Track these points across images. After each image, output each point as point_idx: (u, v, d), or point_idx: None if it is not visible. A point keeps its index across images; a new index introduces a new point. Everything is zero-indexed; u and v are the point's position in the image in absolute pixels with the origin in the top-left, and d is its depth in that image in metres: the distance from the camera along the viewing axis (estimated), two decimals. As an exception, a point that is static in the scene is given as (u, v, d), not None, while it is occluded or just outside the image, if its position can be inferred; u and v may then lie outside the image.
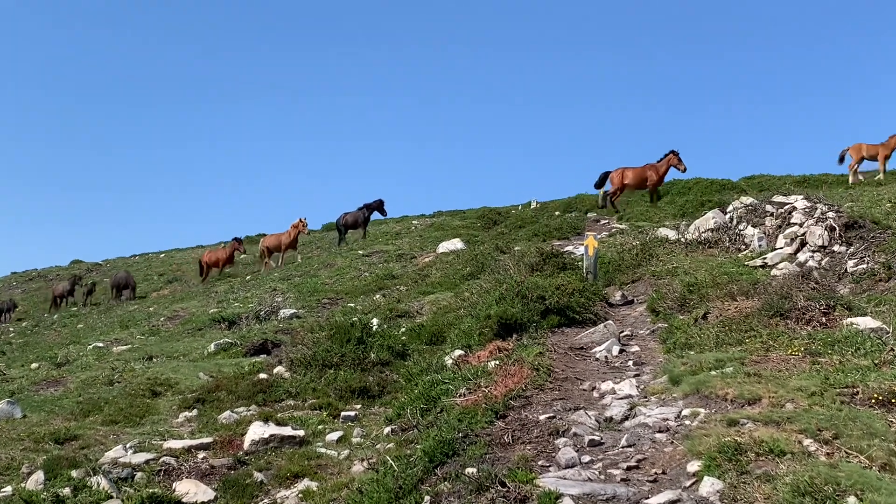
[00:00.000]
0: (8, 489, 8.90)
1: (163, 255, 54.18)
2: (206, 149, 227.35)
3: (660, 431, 7.34)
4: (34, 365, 19.80)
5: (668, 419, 7.59)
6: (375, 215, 38.97)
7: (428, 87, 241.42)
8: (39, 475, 9.02)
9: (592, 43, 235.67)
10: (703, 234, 18.94)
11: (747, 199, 21.67)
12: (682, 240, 19.16)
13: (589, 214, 32.70)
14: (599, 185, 33.75)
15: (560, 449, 7.01)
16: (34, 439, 10.84)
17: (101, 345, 21.12)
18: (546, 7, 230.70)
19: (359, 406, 11.74)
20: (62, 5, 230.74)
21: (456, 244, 28.26)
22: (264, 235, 40.42)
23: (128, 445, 10.20)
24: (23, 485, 9.05)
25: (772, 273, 14.22)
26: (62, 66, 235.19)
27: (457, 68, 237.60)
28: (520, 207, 42.57)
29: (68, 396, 14.08)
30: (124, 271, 40.85)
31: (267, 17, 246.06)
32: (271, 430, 10.08)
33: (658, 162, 31.28)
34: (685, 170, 31.20)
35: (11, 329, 37.14)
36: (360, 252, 31.84)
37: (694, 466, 6.19)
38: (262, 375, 13.67)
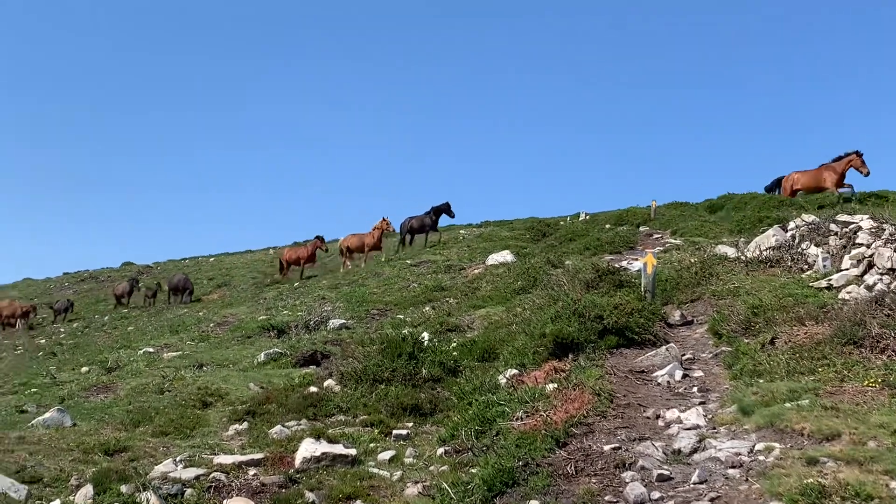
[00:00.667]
0: (57, 503, 8.78)
1: (213, 258, 54.56)
2: (257, 155, 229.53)
3: (732, 467, 6.98)
4: (84, 369, 19.88)
5: (740, 454, 7.22)
6: (444, 219, 38.20)
7: (472, 96, 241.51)
8: (88, 489, 8.87)
9: (642, 55, 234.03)
10: (763, 253, 18.41)
11: (809, 217, 21.08)
12: (742, 258, 18.64)
13: (641, 228, 32.19)
14: (771, 189, 32.89)
15: (628, 483, 6.68)
16: (83, 450, 10.73)
17: (151, 350, 21.16)
18: (596, 17, 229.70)
19: (410, 424, 11.49)
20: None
21: (506, 256, 27.94)
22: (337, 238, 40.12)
23: (178, 459, 10.04)
24: (71, 498, 8.92)
25: (839, 296, 13.70)
26: (113, 71, 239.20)
27: (505, 79, 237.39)
28: (568, 219, 42.14)
29: (118, 404, 14.03)
30: (182, 274, 41.05)
31: (319, 24, 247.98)
32: (323, 447, 9.85)
33: (835, 162, 29.25)
34: (868, 173, 28.70)
35: (62, 330, 37.56)
36: (409, 262, 31.66)
37: (773, 509, 5.83)
38: (313, 388, 13.49)
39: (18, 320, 41.48)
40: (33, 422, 12.41)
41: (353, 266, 35.72)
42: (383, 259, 34.67)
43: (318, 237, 37.97)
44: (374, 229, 35.96)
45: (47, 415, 12.52)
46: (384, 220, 35.82)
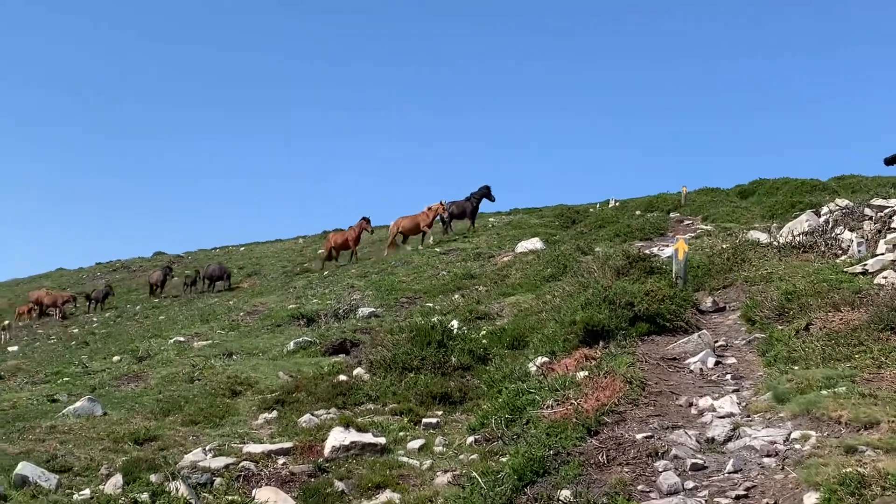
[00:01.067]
0: (86, 492, 8.82)
1: (243, 248, 54.82)
2: (288, 144, 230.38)
3: (768, 456, 6.84)
4: (116, 358, 20.02)
5: (776, 442, 7.07)
6: (484, 204, 37.37)
7: (499, 83, 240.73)
8: (118, 478, 8.91)
9: (670, 42, 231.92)
10: (796, 238, 18.12)
11: (842, 202, 20.77)
12: (775, 243, 18.36)
13: (672, 215, 31.92)
14: (891, 162, 32.31)
15: (660, 473, 6.56)
16: (114, 439, 10.78)
17: (182, 339, 21.27)
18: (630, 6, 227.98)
19: (440, 412, 11.43)
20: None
21: (535, 244, 27.78)
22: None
23: (207, 448, 10.06)
24: (101, 487, 8.97)
25: (874, 281, 13.43)
26: (143, 62, 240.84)
27: (533, 66, 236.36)
28: (598, 206, 41.88)
29: (148, 393, 14.08)
30: (217, 264, 41.02)
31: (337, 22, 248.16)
32: (352, 436, 9.82)
33: None
34: None
35: (95, 319, 37.90)
36: (438, 250, 31.58)
37: (811, 499, 5.68)
38: (342, 377, 13.47)
39: (59, 309, 41.94)
40: (64, 411, 12.49)
41: (394, 248, 34.94)
42: (430, 241, 34.17)
43: (364, 218, 36.28)
44: (427, 210, 34.80)
45: (78, 404, 12.59)
46: (441, 203, 34.62)
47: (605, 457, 7.13)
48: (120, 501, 8.12)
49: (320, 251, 39.86)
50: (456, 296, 21.64)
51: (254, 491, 8.61)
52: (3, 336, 35.89)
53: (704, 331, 12.03)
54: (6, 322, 38.54)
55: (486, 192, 36.32)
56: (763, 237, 19.72)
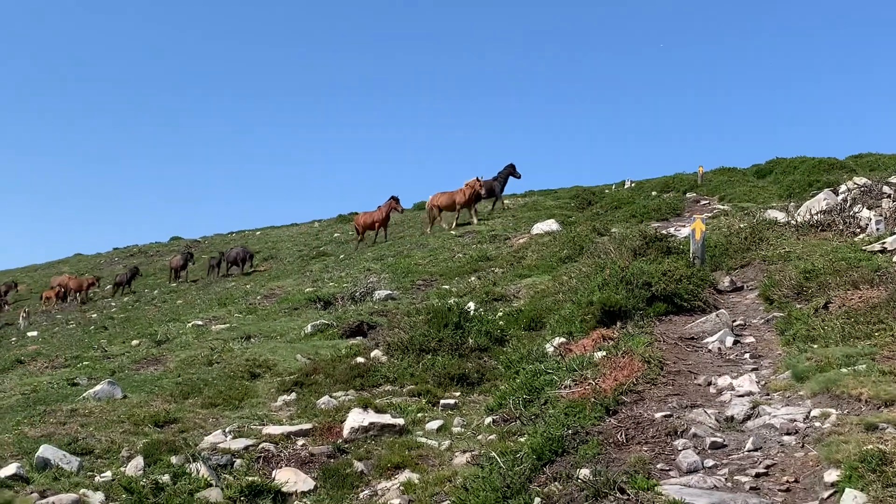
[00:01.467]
0: (108, 474, 8.89)
1: (259, 232, 54.94)
2: (299, 131, 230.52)
3: (788, 434, 6.82)
4: (135, 342, 20.13)
5: (795, 420, 7.04)
6: (510, 183, 36.36)
7: (511, 67, 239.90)
8: (139, 460, 8.98)
9: (683, 21, 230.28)
10: (814, 217, 18.01)
11: (860, 180, 20.65)
12: (793, 222, 18.26)
13: (688, 195, 31.80)
14: None
15: (680, 452, 6.55)
16: (134, 422, 10.84)
17: (200, 323, 21.35)
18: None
19: (458, 393, 11.46)
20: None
21: (551, 225, 27.72)
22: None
23: (227, 430, 10.13)
24: (122, 469, 9.04)
25: (893, 259, 13.36)
26: (160, 49, 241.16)
27: (544, 49, 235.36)
28: (613, 187, 41.74)
29: (168, 376, 14.15)
30: (240, 246, 40.78)
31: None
32: (371, 417, 9.86)
33: None
34: None
35: (113, 304, 38.13)
36: (453, 233, 31.56)
37: (832, 476, 5.66)
38: (360, 359, 13.51)
39: (84, 293, 42.26)
40: (85, 394, 12.57)
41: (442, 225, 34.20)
42: (475, 221, 33.31)
43: (392, 197, 35.38)
44: (465, 186, 33.74)
45: (98, 387, 12.67)
46: (477, 179, 33.58)
47: (623, 436, 7.13)
48: (141, 483, 8.17)
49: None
50: (472, 278, 21.63)
51: (274, 472, 8.67)
52: (23, 321, 36.16)
53: (723, 310, 11.99)
54: (26, 308, 38.81)
55: (510, 171, 35.50)
56: (781, 216, 19.64)
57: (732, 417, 7.43)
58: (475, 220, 33.34)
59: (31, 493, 8.22)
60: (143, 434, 10.34)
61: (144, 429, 10.57)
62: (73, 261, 59.19)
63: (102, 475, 8.89)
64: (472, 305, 16.16)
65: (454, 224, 33.64)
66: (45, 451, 9.20)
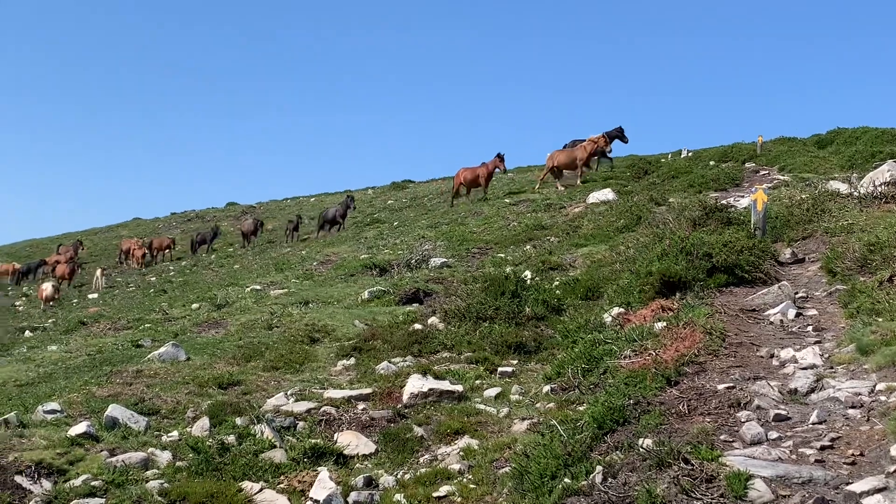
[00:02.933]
0: (174, 434, 9.12)
1: (313, 198, 55.43)
2: (356, 98, 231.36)
3: (852, 407, 6.75)
4: (195, 305, 20.50)
5: (860, 394, 6.97)
6: (617, 148, 34.55)
7: (569, 37, 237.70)
8: (205, 421, 9.18)
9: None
10: (878, 188, 17.62)
11: (928, 151, 20.17)
12: (855, 194, 17.90)
13: (747, 165, 31.32)
14: None
15: (743, 423, 6.52)
16: (198, 383, 11.08)
17: (258, 287, 21.65)
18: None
19: (515, 362, 11.52)
20: None
21: (607, 194, 27.51)
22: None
23: (289, 393, 10.31)
24: (188, 429, 9.26)
25: (962, 232, 13.06)
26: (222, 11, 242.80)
27: (606, 17, 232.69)
28: (670, 156, 41.27)
29: (229, 340, 14.40)
30: (335, 206, 40.44)
31: None
32: (430, 383, 9.97)
33: None
34: None
35: (171, 268, 38.83)
36: (507, 201, 31.51)
37: (898, 450, 5.61)
38: (417, 326, 13.63)
39: (163, 253, 43.24)
40: (149, 356, 12.87)
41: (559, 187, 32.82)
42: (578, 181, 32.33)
43: (498, 155, 33.64)
44: (589, 141, 32.33)
45: (162, 349, 12.95)
46: (603, 135, 32.38)
47: (686, 407, 7.12)
48: (208, 443, 8.39)
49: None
50: (527, 246, 21.61)
51: (335, 435, 8.83)
52: (101, 280, 36.79)
53: (784, 282, 11.85)
54: (102, 267, 39.36)
55: (618, 134, 33.48)
56: (843, 188, 19.26)
57: (796, 390, 7.37)
58: (579, 182, 32.21)
59: (101, 451, 8.48)
60: (207, 395, 10.57)
61: (209, 390, 10.80)
62: (132, 224, 60.30)
63: (169, 435, 9.13)
64: (528, 274, 16.18)
65: (578, 182, 32.46)
66: (114, 410, 9.48)
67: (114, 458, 8.22)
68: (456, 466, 7.78)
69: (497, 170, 34.76)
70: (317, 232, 39.43)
